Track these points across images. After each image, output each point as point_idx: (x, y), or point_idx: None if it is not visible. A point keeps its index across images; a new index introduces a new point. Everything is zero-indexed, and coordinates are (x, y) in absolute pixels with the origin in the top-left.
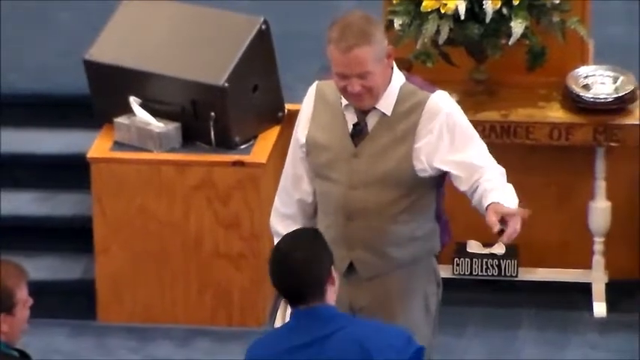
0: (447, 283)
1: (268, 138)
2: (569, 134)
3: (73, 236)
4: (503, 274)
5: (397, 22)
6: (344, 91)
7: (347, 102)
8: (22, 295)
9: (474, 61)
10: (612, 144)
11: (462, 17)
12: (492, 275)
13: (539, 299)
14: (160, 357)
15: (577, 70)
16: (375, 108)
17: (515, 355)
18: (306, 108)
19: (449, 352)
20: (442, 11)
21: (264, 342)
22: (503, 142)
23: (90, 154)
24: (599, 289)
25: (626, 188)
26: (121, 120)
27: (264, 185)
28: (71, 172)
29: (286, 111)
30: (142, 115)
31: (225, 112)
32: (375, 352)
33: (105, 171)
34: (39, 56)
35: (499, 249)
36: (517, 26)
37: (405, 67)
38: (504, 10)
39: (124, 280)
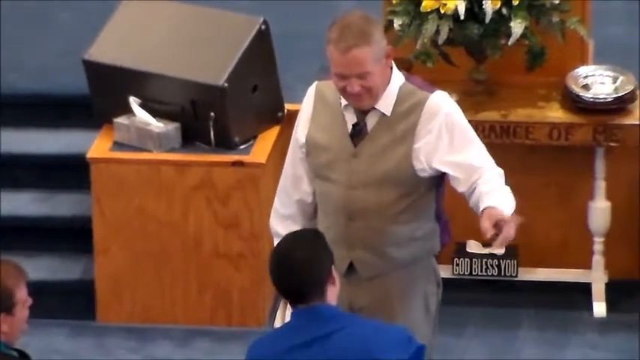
0: (446, 283)
1: (268, 138)
2: (568, 134)
3: (72, 236)
4: (503, 274)
5: (397, 22)
6: (343, 91)
7: (346, 102)
8: (22, 295)
9: (473, 61)
10: (612, 144)
11: (462, 17)
12: (492, 275)
13: (539, 299)
14: (160, 357)
15: (577, 70)
16: (374, 108)
17: (515, 355)
18: (305, 108)
19: (449, 352)
20: (442, 11)
21: (265, 342)
22: (502, 142)
23: (89, 155)
24: (599, 289)
25: (625, 188)
26: (121, 120)
27: (263, 185)
28: (71, 172)
29: (286, 111)
30: (141, 115)
31: (224, 112)
32: (376, 351)
33: (104, 171)
34: (39, 56)
35: (499, 249)
36: (517, 26)
37: (405, 67)
38: (504, 10)
39: (123, 280)
